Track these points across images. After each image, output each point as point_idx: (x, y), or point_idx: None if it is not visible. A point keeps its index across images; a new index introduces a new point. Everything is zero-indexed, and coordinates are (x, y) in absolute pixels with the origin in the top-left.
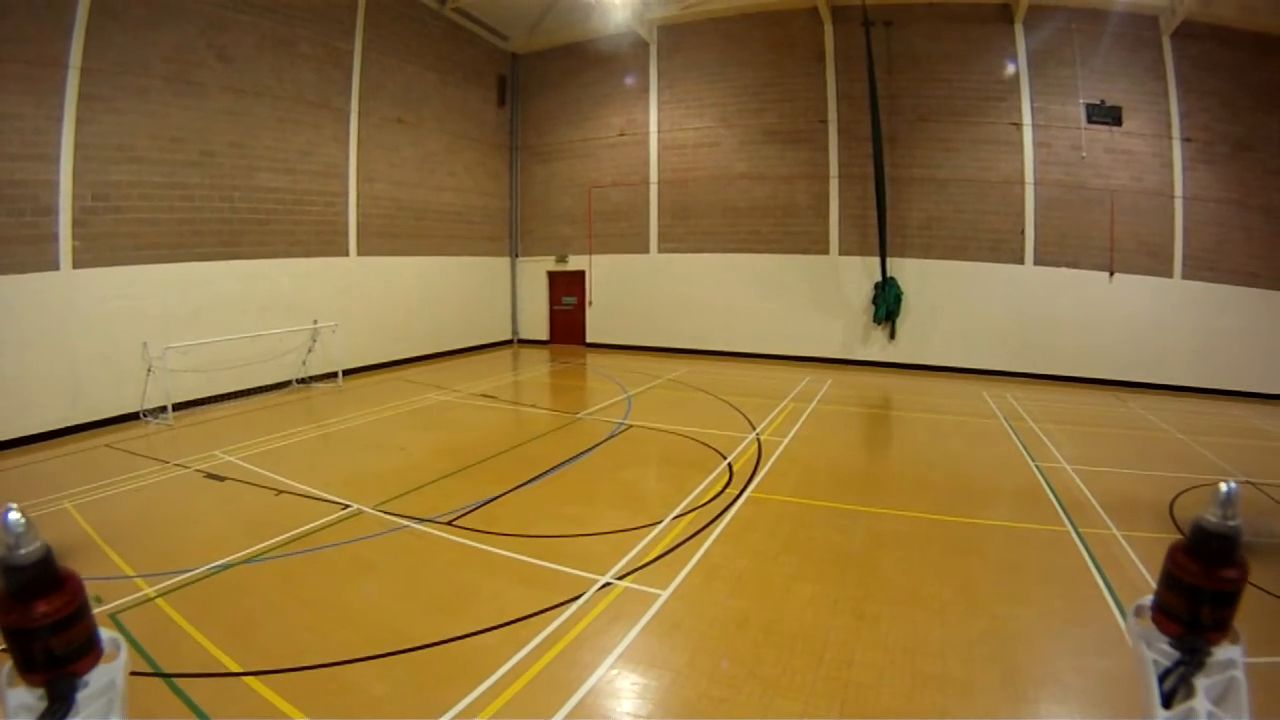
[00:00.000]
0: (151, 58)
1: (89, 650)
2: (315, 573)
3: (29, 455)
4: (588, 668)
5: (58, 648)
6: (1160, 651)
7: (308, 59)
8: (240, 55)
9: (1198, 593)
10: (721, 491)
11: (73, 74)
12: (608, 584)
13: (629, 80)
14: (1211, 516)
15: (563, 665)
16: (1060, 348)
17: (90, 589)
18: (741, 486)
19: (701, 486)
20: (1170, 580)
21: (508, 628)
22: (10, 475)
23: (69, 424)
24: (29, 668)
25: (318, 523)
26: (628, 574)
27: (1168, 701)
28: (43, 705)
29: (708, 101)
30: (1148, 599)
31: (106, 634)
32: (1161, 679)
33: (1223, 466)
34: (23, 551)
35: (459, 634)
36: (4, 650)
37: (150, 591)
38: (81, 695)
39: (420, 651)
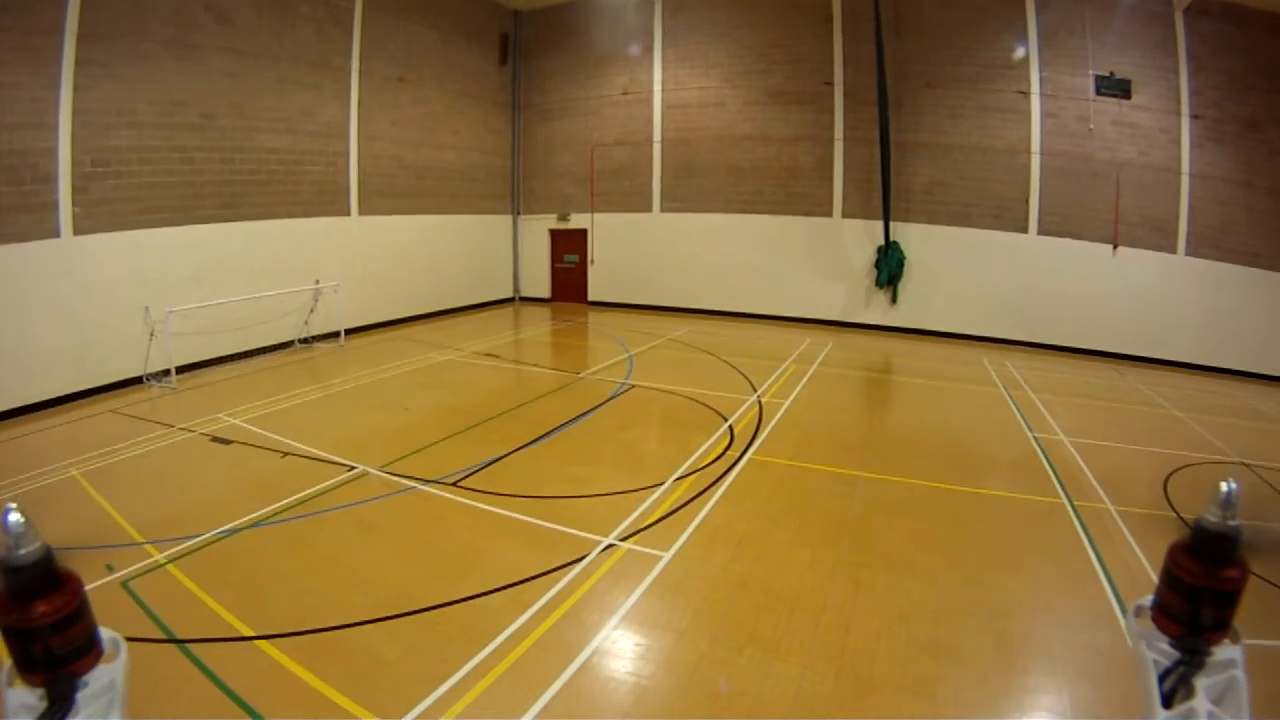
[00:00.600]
0: (149, 22)
1: (89, 650)
2: (323, 535)
3: (34, 423)
4: (592, 629)
5: (58, 647)
6: (1160, 651)
7: (308, 19)
8: (239, 17)
9: (1198, 593)
10: (723, 454)
11: (69, 40)
12: (611, 545)
13: (633, 39)
14: (1212, 516)
15: (567, 626)
16: (1061, 318)
17: (101, 557)
18: (742, 449)
19: (703, 448)
20: (1170, 580)
21: (513, 589)
22: (16, 444)
23: (73, 390)
24: (29, 668)
25: (324, 485)
26: (630, 536)
27: (1168, 701)
28: (43, 705)
29: (713, 61)
30: (1148, 599)
31: (107, 633)
32: (1161, 679)
33: (1218, 446)
34: (23, 551)
35: (466, 595)
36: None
37: (160, 558)
38: (81, 695)
39: (428, 613)
